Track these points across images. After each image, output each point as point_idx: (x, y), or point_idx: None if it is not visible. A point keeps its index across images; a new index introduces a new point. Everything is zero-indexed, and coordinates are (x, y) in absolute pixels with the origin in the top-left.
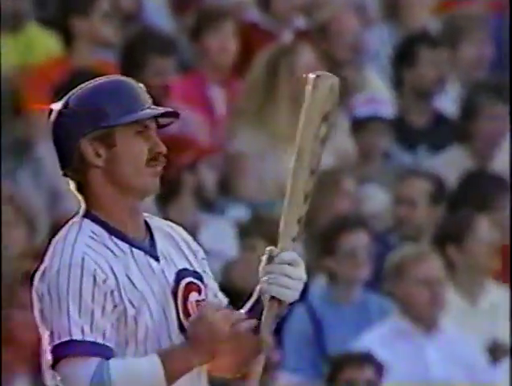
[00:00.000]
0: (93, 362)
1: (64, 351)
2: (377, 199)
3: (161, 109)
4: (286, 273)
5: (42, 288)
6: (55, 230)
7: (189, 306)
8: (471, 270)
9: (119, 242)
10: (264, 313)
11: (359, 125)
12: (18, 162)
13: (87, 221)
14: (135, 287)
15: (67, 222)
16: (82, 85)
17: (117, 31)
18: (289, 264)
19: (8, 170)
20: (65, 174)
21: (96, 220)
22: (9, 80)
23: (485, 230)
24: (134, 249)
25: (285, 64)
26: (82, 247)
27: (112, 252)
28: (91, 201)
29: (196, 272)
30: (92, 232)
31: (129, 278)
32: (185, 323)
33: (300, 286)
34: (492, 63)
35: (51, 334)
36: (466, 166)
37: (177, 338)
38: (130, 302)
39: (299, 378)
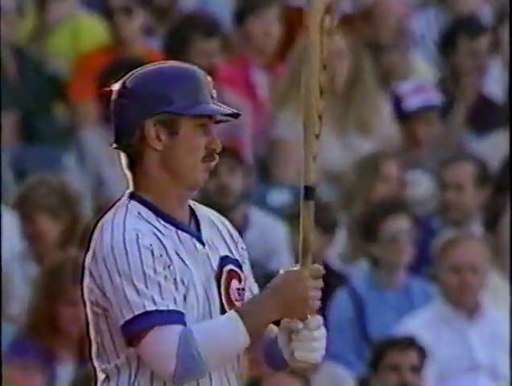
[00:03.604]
0: (175, 329)
1: (141, 324)
2: (421, 184)
3: (228, 109)
4: (315, 338)
5: (98, 269)
6: (99, 215)
7: (231, 293)
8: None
9: (166, 224)
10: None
11: (409, 116)
12: (62, 148)
13: (133, 203)
14: (186, 265)
15: (113, 205)
16: (147, 66)
17: (157, 21)
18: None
19: (53, 155)
20: (118, 147)
21: (142, 202)
22: (55, 66)
23: None
24: (179, 232)
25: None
26: (133, 225)
27: (160, 231)
28: (141, 181)
29: (236, 260)
30: (139, 213)
31: (179, 256)
32: (227, 309)
33: (324, 344)
34: None
35: (121, 312)
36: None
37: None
38: (181, 280)
39: (342, 363)
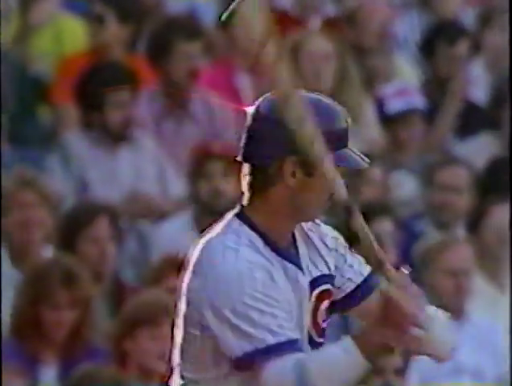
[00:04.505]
0: (292, 358)
1: (261, 355)
2: (405, 187)
3: (364, 161)
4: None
5: (206, 292)
6: (81, 218)
7: (318, 316)
8: (492, 257)
9: (272, 253)
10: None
11: (392, 119)
12: (45, 150)
13: (245, 228)
14: (289, 296)
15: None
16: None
17: (139, 26)
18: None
19: (35, 157)
20: (245, 160)
21: (253, 227)
22: (38, 68)
23: (500, 217)
24: (285, 262)
25: (301, 52)
26: (245, 255)
27: (270, 262)
28: (258, 203)
29: (330, 275)
30: (250, 241)
31: (286, 287)
32: (313, 334)
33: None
34: None
35: (237, 343)
36: (495, 153)
37: (306, 349)
38: (290, 310)
39: None
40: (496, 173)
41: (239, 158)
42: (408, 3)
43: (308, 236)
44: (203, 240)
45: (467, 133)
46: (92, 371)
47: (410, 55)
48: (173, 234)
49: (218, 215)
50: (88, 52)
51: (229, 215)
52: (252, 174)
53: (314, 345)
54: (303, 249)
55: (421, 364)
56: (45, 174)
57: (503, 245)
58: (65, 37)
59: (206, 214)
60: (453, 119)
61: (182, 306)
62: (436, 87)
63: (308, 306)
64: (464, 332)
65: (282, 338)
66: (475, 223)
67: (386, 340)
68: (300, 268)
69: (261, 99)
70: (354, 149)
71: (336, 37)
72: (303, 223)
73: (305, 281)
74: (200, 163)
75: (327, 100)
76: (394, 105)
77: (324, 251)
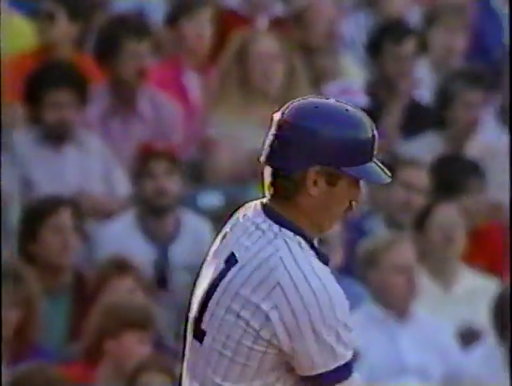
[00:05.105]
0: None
1: (341, 373)
2: None
3: (388, 176)
4: None
5: (289, 312)
6: (26, 216)
7: None
8: (437, 256)
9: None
10: None
11: None
12: None
13: (300, 239)
14: None
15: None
16: (316, 102)
17: (87, 25)
18: None
19: None
20: (269, 164)
21: (306, 239)
22: None
23: (446, 216)
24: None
25: (249, 52)
26: (322, 272)
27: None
28: (288, 210)
29: None
30: (312, 255)
31: None
32: None
33: None
34: (469, 50)
35: (322, 361)
36: (440, 152)
37: None
38: None
39: None
40: (442, 172)
41: (262, 160)
42: (355, 3)
43: None
44: (256, 254)
45: (413, 132)
46: (33, 370)
47: (357, 54)
48: (118, 233)
49: (162, 214)
50: (36, 51)
51: (258, 217)
52: (276, 178)
53: None
54: None
55: (366, 364)
56: None
57: (449, 244)
58: (13, 35)
59: (150, 213)
60: (398, 118)
61: (228, 320)
62: (383, 86)
63: None
64: (409, 331)
65: (353, 352)
66: (421, 221)
67: None
68: None
69: (286, 106)
70: (379, 163)
71: (283, 36)
72: None
73: None
74: (144, 162)
75: (353, 111)
76: None
77: None
